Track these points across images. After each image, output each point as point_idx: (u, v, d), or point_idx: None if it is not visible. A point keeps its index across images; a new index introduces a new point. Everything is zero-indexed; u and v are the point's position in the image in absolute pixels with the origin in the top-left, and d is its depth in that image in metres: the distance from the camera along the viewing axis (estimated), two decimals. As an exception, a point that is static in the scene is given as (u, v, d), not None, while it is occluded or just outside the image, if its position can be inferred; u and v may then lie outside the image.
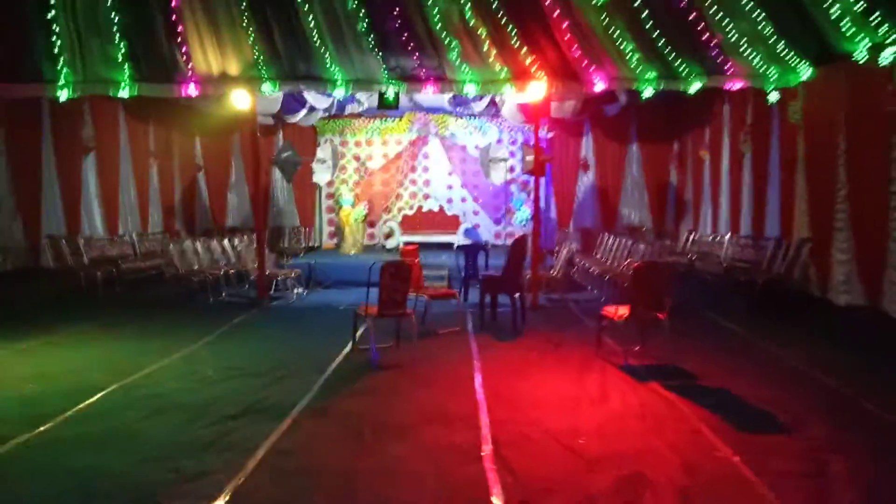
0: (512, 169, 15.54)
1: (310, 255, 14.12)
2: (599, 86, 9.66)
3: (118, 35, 9.02)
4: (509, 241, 16.19)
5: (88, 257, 11.85)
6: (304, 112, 12.76)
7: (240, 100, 10.01)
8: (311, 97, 11.58)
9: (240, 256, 11.07)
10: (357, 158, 16.31)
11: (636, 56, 9.26)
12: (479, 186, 16.10)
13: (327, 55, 9.43)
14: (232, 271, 12.04)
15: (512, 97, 10.99)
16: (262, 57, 9.56)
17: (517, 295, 8.62)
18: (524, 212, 14.76)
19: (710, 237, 13.31)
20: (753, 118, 11.66)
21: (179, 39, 9.17)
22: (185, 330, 8.72)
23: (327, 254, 15.45)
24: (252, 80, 9.71)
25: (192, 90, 9.71)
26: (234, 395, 5.92)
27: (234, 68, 9.58)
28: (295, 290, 11.69)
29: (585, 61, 9.30)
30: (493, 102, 12.36)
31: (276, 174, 16.05)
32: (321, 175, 13.19)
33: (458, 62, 9.39)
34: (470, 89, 9.75)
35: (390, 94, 9.83)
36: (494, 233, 16.30)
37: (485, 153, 12.68)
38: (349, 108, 13.55)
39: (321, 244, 16.53)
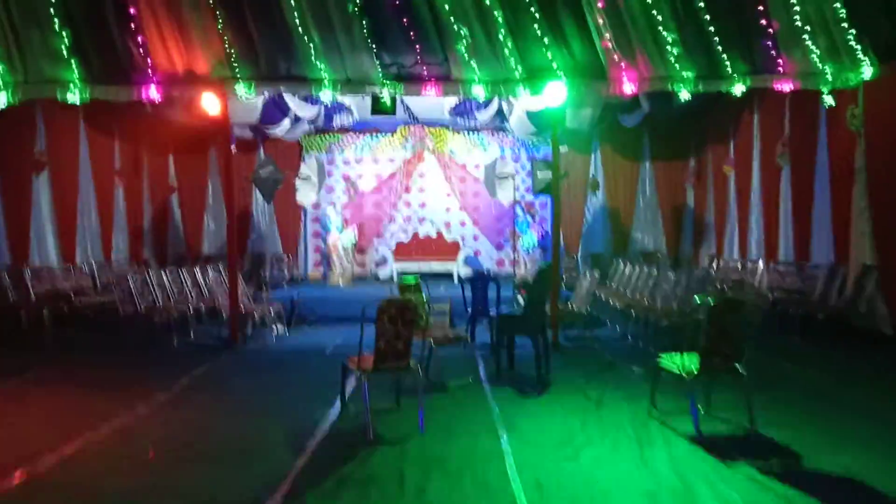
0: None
1: (293, 287, 12.37)
2: (629, 87, 8.11)
3: (60, 24, 7.35)
4: (512, 270, 14.63)
5: (35, 291, 10.05)
6: (286, 123, 11.13)
7: (209, 104, 8.36)
8: (295, 103, 9.97)
9: (211, 290, 9.32)
10: (346, 178, 14.67)
11: (676, 50, 7.72)
12: (479, 209, 14.50)
13: (312, 50, 7.83)
14: (202, 307, 10.28)
15: (525, 102, 9.40)
16: (234, 52, 7.96)
17: (541, 337, 6.95)
18: (530, 237, 13.17)
19: (739, 263, 11.75)
20: (793, 127, 10.18)
21: (133, 27, 7.50)
22: (136, 383, 7.00)
23: (313, 285, 13.73)
24: (223, 80, 8.10)
25: (153, 93, 8.08)
26: (175, 490, 4.19)
27: (201, 66, 7.95)
28: (274, 329, 9.94)
29: (616, 55, 7.74)
30: (499, 111, 10.78)
31: (257, 195, 14.41)
32: (305, 194, 11.54)
33: (466, 56, 7.81)
34: (478, 91, 8.18)
35: (385, 98, 8.22)
36: (496, 260, 14.67)
37: (490, 170, 11.13)
38: (337, 120, 11.94)
39: (306, 274, 14.78)
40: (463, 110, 10.90)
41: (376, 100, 8.30)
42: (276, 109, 10.59)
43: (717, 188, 13.00)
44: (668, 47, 7.69)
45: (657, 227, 14.55)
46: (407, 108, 11.79)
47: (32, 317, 9.57)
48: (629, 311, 9.95)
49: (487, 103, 10.41)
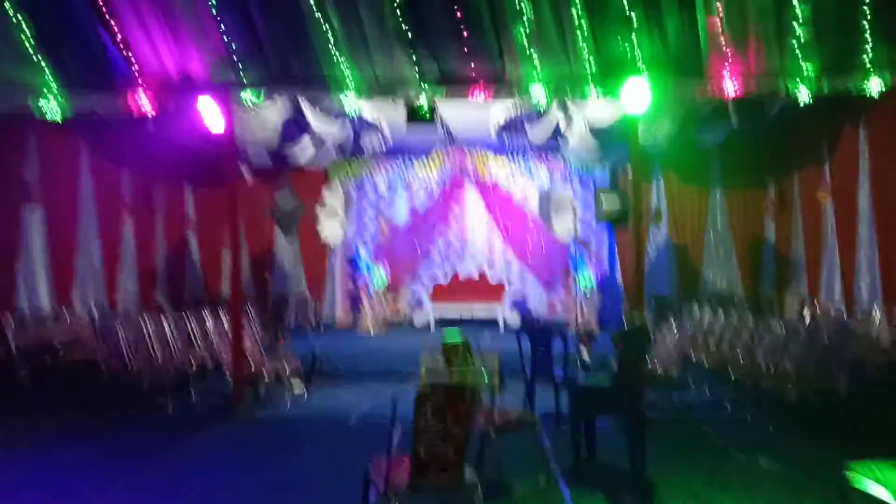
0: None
1: (318, 335, 10.49)
2: (730, 87, 6.19)
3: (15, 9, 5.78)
4: (563, 315, 12.58)
5: (16, 343, 8.36)
6: (306, 141, 9.38)
7: (210, 117, 6.67)
8: (314, 117, 8.24)
9: (215, 343, 7.51)
10: (378, 210, 12.89)
11: (803, 33, 5.78)
12: (526, 244, 12.54)
13: (332, 44, 6.10)
14: (209, 362, 8.48)
15: (592, 111, 7.51)
16: (238, 51, 6.25)
17: (635, 418, 4.91)
18: (587, 276, 11.15)
19: (843, 310, 9.51)
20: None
21: (109, 18, 5.88)
22: (104, 468, 5.21)
23: (341, 332, 11.87)
24: (225, 85, 6.41)
25: (143, 102, 6.43)
26: None
27: (197, 67, 6.28)
28: (293, 390, 8.06)
29: (724, 40, 5.84)
30: (555, 130, 8.89)
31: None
32: (331, 228, 9.74)
33: (525, 45, 5.99)
34: (537, 93, 6.33)
35: (423, 104, 6.43)
36: (547, 302, 12.62)
37: (545, 198, 9.22)
38: (367, 141, 10.18)
39: (334, 319, 12.91)
40: (513, 125, 9.05)
41: (412, 108, 6.47)
42: (294, 126, 8.90)
43: (808, 218, 10.83)
44: (796, 27, 5.74)
45: (731, 265, 12.39)
46: (444, 125, 9.95)
47: (9, 372, 7.90)
48: (723, 372, 7.85)
49: (541, 116, 8.54)
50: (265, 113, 8.11)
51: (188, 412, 7.43)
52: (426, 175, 12.51)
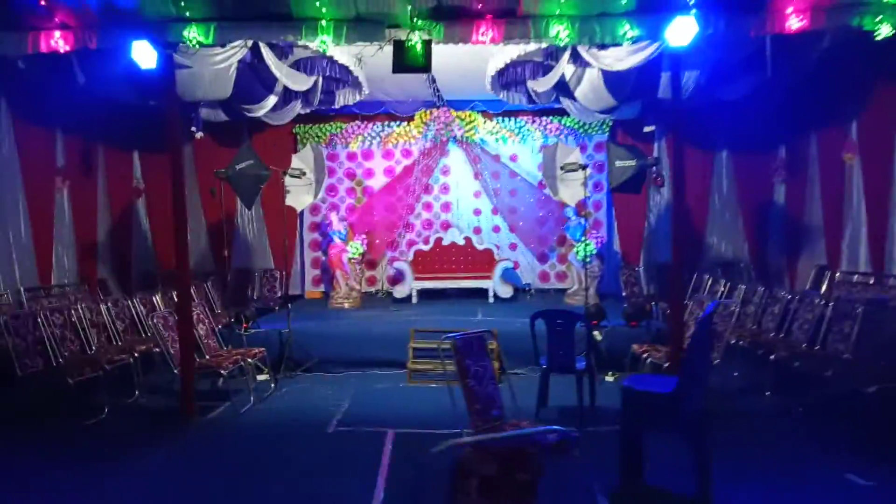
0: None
1: (285, 313, 9.24)
2: (795, 22, 5.06)
3: None
4: (560, 285, 11.57)
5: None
6: (272, 100, 8.03)
7: (143, 60, 5.31)
8: (282, 72, 6.91)
9: (158, 329, 6.24)
10: (351, 176, 11.59)
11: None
12: (517, 211, 11.41)
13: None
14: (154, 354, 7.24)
15: (609, 58, 6.30)
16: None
17: (701, 437, 3.87)
18: (587, 245, 10.09)
19: (872, 278, 8.66)
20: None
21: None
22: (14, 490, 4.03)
23: (311, 307, 10.68)
24: (164, 22, 5.04)
25: (58, 41, 5.03)
26: None
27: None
28: (254, 383, 6.89)
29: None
30: (562, 84, 7.64)
31: (243, 199, 11.38)
32: (299, 195, 8.45)
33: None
34: (561, 33, 5.11)
35: (416, 43, 5.14)
36: (539, 273, 11.56)
37: (550, 157, 8.04)
38: (341, 98, 8.86)
39: (303, 292, 11.68)
40: (513, 79, 7.80)
41: (401, 49, 5.17)
42: (255, 81, 7.51)
43: (827, 182, 9.90)
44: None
45: (737, 230, 11.47)
46: (433, 83, 8.69)
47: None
48: (753, 350, 6.95)
49: (548, 67, 7.31)
50: (215, 59, 6.76)
51: (126, 415, 6.22)
52: (407, 136, 11.21)
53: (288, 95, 8.54)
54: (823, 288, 9.37)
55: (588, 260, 10.24)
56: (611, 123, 11.00)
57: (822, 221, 10.10)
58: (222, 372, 6.35)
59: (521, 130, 11.20)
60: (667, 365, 6.13)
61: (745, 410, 6.08)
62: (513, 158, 11.39)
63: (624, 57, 6.23)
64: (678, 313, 6.00)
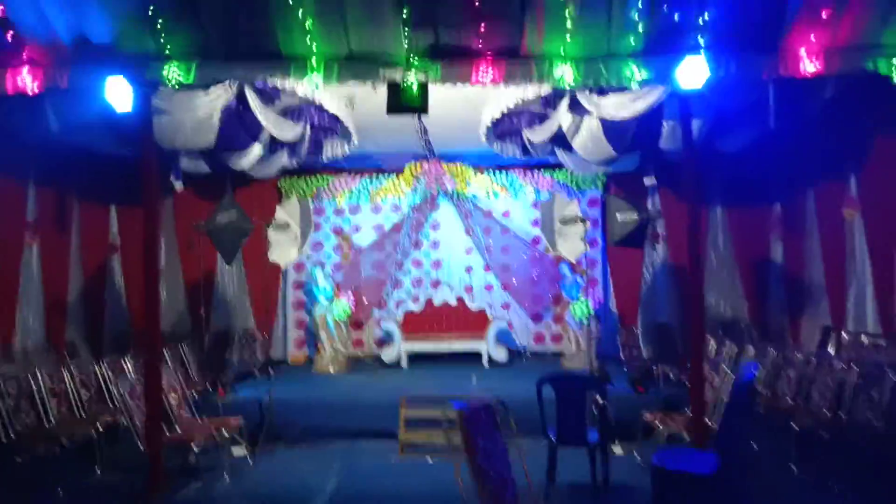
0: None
1: (266, 379, 8.56)
2: (811, 65, 4.82)
3: None
4: (556, 347, 11.03)
5: None
6: (257, 150, 7.64)
7: (118, 98, 4.91)
8: (269, 119, 6.53)
9: (124, 398, 5.60)
10: (338, 232, 11.14)
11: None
12: (510, 268, 10.98)
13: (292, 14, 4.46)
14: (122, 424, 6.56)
15: (609, 105, 6.01)
16: (161, 15, 4.54)
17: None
18: (583, 304, 9.65)
19: (883, 340, 8.26)
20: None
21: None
22: None
23: (295, 371, 10.03)
24: (142, 59, 4.67)
25: (25, 79, 4.65)
26: None
27: (100, 31, 4.53)
28: (230, 458, 6.22)
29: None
30: (559, 136, 7.35)
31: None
32: (283, 250, 7.97)
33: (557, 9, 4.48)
34: (565, 74, 4.80)
35: (412, 83, 4.80)
36: (533, 334, 11.05)
37: (547, 210, 7.69)
38: (329, 149, 8.49)
39: (286, 357, 11.03)
40: (508, 129, 7.51)
41: (396, 89, 4.82)
42: (240, 128, 7.13)
43: (828, 238, 9.63)
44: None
45: (735, 288, 11.13)
46: (425, 133, 8.37)
47: None
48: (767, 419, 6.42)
49: (544, 117, 7.03)
50: (198, 105, 6.38)
51: (85, 497, 5.52)
52: (396, 190, 10.86)
53: (274, 146, 8.16)
54: (831, 349, 8.97)
55: (586, 321, 9.79)
56: (604, 178, 10.73)
57: (823, 279, 9.78)
58: (195, 443, 5.70)
59: (512, 185, 10.90)
60: (688, 438, 5.56)
61: (773, 486, 5.52)
62: (505, 214, 11.05)
63: (627, 104, 5.95)
64: (697, 378, 5.49)
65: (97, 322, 10.50)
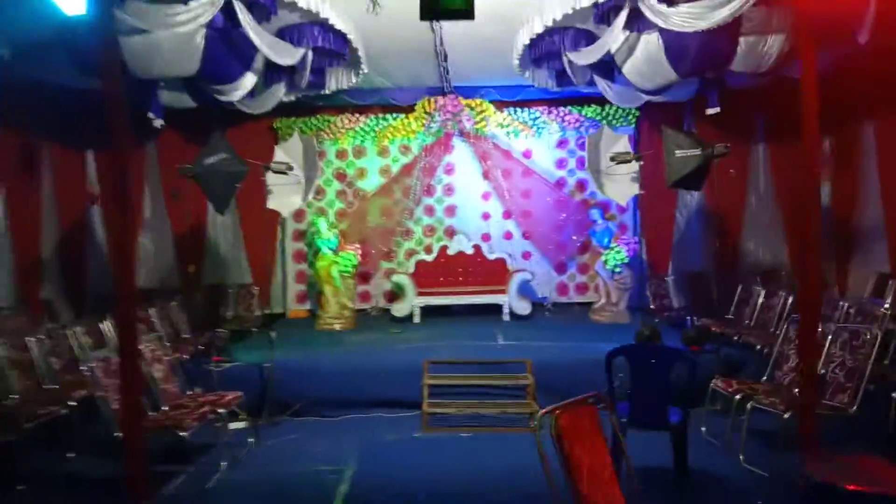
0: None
1: (263, 342, 7.53)
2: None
3: None
4: (581, 298, 10.08)
5: None
6: (249, 80, 6.45)
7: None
8: (264, 41, 5.36)
9: (94, 375, 4.61)
10: (342, 177, 10.01)
11: None
12: (531, 214, 9.91)
13: None
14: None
15: (685, 14, 4.86)
16: None
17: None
18: (617, 252, 8.64)
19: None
20: None
21: None
22: None
23: (296, 328, 9.06)
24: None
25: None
26: None
27: None
28: (228, 435, 5.30)
29: None
30: (602, 63, 6.17)
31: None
32: (286, 196, 6.88)
33: None
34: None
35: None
36: (556, 284, 10.07)
37: (594, 147, 6.59)
38: (333, 79, 7.30)
39: (285, 311, 10.05)
40: (548, 52, 6.30)
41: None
42: (229, 54, 5.92)
43: (889, 176, 8.57)
44: None
45: (777, 234, 10.13)
46: (444, 60, 7.16)
47: None
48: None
49: (592, 37, 5.84)
50: (177, 20, 5.20)
51: (52, 489, 4.61)
52: (406, 131, 9.65)
53: (270, 76, 6.97)
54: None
55: (619, 269, 8.81)
56: (637, 114, 9.55)
57: (882, 221, 8.77)
58: (186, 424, 4.74)
59: (535, 123, 9.72)
60: (787, 415, 4.53)
61: None
62: (526, 155, 9.90)
63: (704, 14, 4.79)
64: (809, 340, 4.36)
65: (78, 280, 9.46)
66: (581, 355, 6.53)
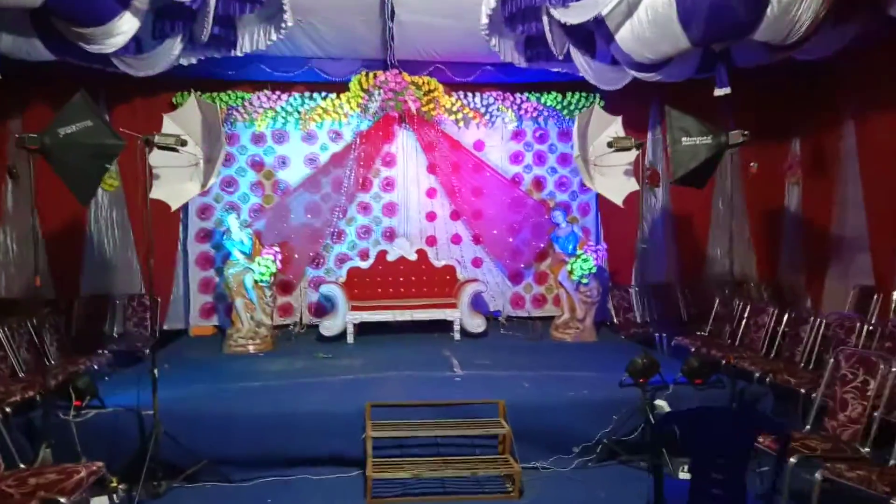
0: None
1: (158, 370, 5.64)
2: None
3: None
4: (539, 312, 8.72)
5: None
6: (124, 23, 4.65)
7: None
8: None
9: None
10: (258, 167, 8.25)
11: None
12: (483, 215, 8.50)
13: None
14: None
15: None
16: None
17: None
18: (584, 261, 7.35)
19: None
20: None
21: None
22: None
23: (199, 350, 7.26)
24: None
25: None
26: None
27: None
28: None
29: None
30: (584, 34, 4.81)
31: (101, 192, 7.84)
32: (176, 182, 5.07)
33: None
34: None
35: None
36: (511, 296, 8.69)
37: (582, 129, 5.23)
38: (247, 40, 5.60)
39: (187, 328, 8.18)
40: (526, 7, 4.88)
41: None
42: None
43: (872, 181, 7.72)
44: None
45: (744, 241, 9.20)
46: (390, 19, 5.61)
47: None
48: None
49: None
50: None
51: None
52: (338, 113, 8.01)
53: (160, 25, 5.19)
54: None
55: (585, 281, 7.53)
56: (602, 103, 8.29)
57: (864, 231, 7.92)
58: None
59: (488, 110, 8.33)
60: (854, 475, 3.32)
61: None
62: (477, 147, 8.48)
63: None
64: None
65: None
66: (560, 390, 5.18)
